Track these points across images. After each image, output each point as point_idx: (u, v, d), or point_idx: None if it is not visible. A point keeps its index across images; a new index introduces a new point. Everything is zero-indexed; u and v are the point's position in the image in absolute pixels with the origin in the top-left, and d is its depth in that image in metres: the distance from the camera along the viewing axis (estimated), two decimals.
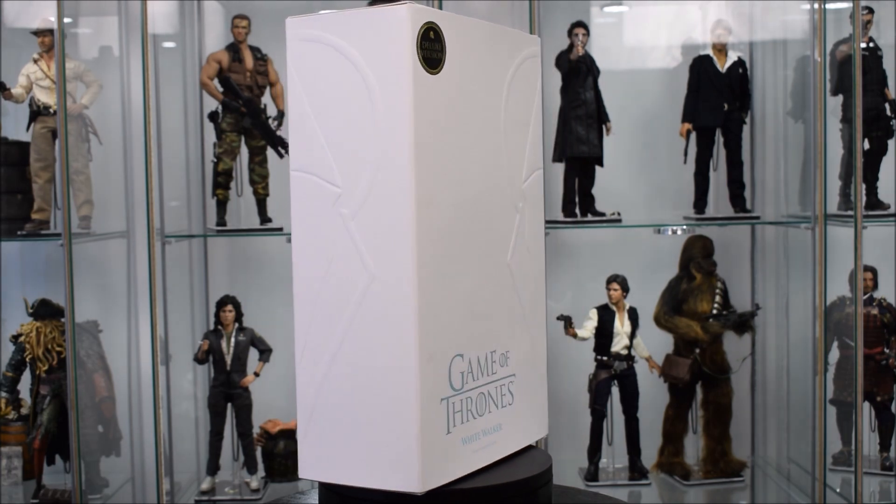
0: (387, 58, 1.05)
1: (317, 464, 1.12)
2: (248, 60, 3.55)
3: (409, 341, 1.05)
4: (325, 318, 1.10)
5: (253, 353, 3.52)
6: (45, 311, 3.43)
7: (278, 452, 3.48)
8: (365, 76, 1.07)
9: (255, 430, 3.53)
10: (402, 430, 1.06)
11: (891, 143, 3.56)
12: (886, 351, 3.52)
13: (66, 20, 3.42)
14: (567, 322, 3.45)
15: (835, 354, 3.55)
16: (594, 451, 3.54)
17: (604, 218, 3.56)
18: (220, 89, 3.53)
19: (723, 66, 3.61)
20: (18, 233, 3.46)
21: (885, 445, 3.55)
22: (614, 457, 3.62)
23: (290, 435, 3.49)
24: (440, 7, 3.31)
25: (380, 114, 1.06)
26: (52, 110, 3.44)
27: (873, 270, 3.54)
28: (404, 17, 1.04)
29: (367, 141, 1.07)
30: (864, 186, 3.48)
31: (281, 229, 3.56)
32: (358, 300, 1.08)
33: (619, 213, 3.57)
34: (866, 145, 3.51)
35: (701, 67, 3.61)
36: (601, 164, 3.58)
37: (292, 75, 1.10)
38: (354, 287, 1.08)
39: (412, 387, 1.06)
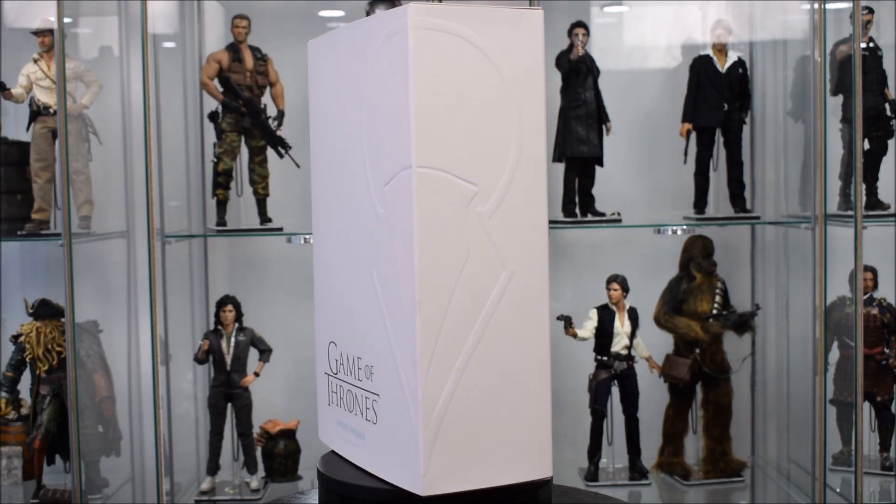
0: (521, 56, 1.07)
1: (447, 476, 1.06)
2: (248, 60, 3.54)
3: (545, 333, 1.09)
4: (457, 322, 1.06)
5: (253, 353, 3.52)
6: (45, 311, 3.43)
7: (278, 452, 3.48)
8: (501, 72, 1.07)
9: (255, 430, 3.53)
10: (539, 420, 1.10)
11: (891, 143, 3.56)
12: (886, 351, 3.51)
13: (66, 20, 3.42)
14: (567, 322, 3.45)
15: (835, 354, 3.55)
16: (594, 451, 3.54)
17: (604, 218, 3.56)
18: (220, 89, 3.53)
19: (723, 66, 3.61)
20: (18, 233, 3.46)
21: (885, 445, 3.55)
22: (614, 457, 3.62)
23: (290, 435, 3.49)
24: None
25: (518, 111, 1.07)
26: (52, 110, 3.44)
27: (873, 270, 3.54)
28: (540, 19, 1.08)
29: (506, 139, 1.07)
30: (864, 186, 3.47)
31: (281, 229, 3.56)
32: (496, 298, 1.07)
33: (619, 213, 3.57)
34: (866, 145, 3.51)
35: (701, 67, 3.61)
36: (601, 164, 3.58)
37: (414, 65, 1.03)
38: (492, 286, 1.07)
39: (547, 377, 1.10)
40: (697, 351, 3.56)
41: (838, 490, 3.49)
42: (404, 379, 1.07)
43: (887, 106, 3.54)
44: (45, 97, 3.46)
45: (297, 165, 3.51)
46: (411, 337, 1.05)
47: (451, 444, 1.06)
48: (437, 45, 1.04)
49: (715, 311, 3.55)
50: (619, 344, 3.50)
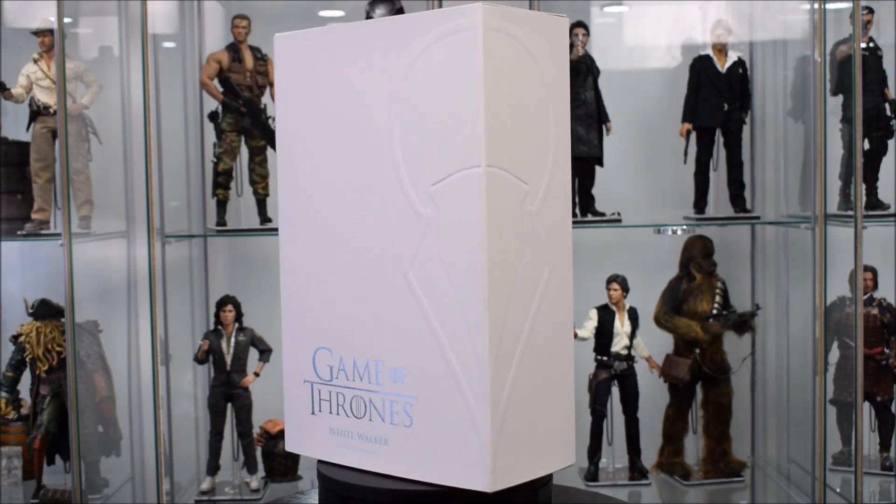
0: (555, 60, 1.12)
1: (509, 471, 1.09)
2: (248, 60, 3.55)
3: (570, 322, 1.17)
4: (515, 318, 1.09)
5: (253, 353, 3.52)
6: (45, 311, 3.43)
7: (278, 452, 3.48)
8: (543, 74, 1.11)
9: (255, 430, 3.53)
10: (568, 409, 1.16)
11: (891, 143, 3.56)
12: (886, 351, 3.51)
13: (66, 20, 3.42)
14: None
15: (835, 354, 3.55)
16: (594, 451, 3.54)
17: (604, 218, 3.56)
18: (220, 89, 3.53)
19: (723, 66, 3.61)
20: (18, 233, 3.46)
21: (885, 445, 3.55)
22: (614, 457, 3.62)
23: None
24: (440, 7, 3.31)
25: (555, 114, 1.13)
26: (52, 110, 3.44)
27: (873, 270, 3.54)
28: (566, 26, 1.14)
29: (547, 139, 1.12)
30: (864, 186, 3.48)
31: None
32: (542, 292, 1.12)
33: (619, 213, 3.57)
34: (866, 145, 3.51)
35: (701, 67, 3.61)
36: (601, 164, 3.58)
37: (485, 65, 1.04)
38: (539, 280, 1.11)
39: (571, 368, 1.17)
40: (697, 351, 3.56)
41: (838, 490, 3.49)
42: (464, 378, 1.07)
43: (887, 106, 3.54)
44: (45, 97, 3.46)
45: None
46: (477, 336, 1.06)
47: (511, 439, 1.09)
48: (501, 46, 1.06)
49: (715, 311, 3.55)
50: (619, 344, 3.50)
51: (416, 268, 1.11)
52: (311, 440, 1.25)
